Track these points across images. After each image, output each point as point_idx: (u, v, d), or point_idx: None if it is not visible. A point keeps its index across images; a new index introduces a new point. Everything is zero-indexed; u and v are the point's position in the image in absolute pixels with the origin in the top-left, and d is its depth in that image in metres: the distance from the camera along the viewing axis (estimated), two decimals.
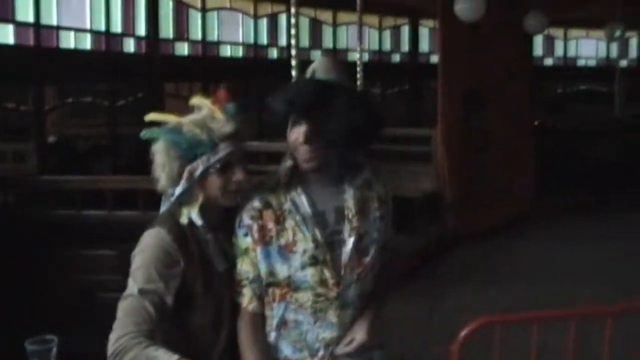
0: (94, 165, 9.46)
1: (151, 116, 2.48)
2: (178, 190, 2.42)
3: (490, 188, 10.66)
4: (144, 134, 2.43)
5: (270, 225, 2.40)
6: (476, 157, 10.38)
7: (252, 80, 14.78)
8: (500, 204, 10.74)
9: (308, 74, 2.44)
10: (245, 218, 2.42)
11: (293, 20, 5.62)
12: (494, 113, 10.73)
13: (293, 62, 5.50)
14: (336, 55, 16.41)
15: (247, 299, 2.44)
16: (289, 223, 2.39)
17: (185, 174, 2.40)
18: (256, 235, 2.40)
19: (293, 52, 5.56)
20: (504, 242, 9.82)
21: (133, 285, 2.32)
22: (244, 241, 2.42)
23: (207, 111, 2.45)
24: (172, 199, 2.44)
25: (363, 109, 2.35)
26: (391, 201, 2.57)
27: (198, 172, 2.40)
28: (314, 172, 2.40)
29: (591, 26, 19.92)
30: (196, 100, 2.51)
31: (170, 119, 2.45)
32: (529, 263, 8.93)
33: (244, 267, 2.43)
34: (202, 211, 2.44)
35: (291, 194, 2.42)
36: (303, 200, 2.41)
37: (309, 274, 2.38)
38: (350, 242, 2.40)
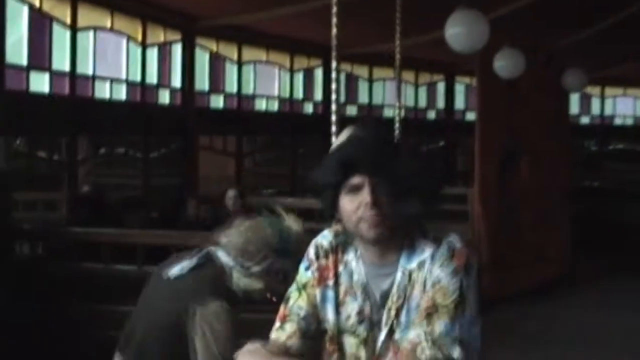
0: (125, 218, 9.36)
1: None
2: (254, 268, 3.00)
3: (526, 248, 10.48)
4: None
5: (331, 268, 2.18)
6: (512, 216, 10.23)
7: (286, 135, 14.76)
8: (536, 265, 10.53)
9: (345, 135, 2.27)
10: (311, 251, 2.22)
11: (334, 75, 5.48)
12: (531, 172, 10.60)
13: (333, 118, 5.37)
14: (372, 111, 16.36)
15: (286, 334, 2.14)
16: (343, 279, 2.16)
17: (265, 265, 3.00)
18: (316, 273, 2.19)
19: (333, 107, 5.44)
20: (540, 305, 9.62)
21: None
22: (305, 275, 2.21)
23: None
24: (245, 270, 3.01)
25: (424, 160, 2.18)
26: (461, 292, 2.08)
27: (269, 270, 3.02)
28: (379, 242, 2.09)
29: (629, 84, 19.75)
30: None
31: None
32: (566, 327, 8.74)
33: (298, 302, 2.18)
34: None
35: (349, 254, 2.17)
36: (360, 267, 2.15)
37: (348, 344, 2.15)
38: (382, 334, 2.12)
